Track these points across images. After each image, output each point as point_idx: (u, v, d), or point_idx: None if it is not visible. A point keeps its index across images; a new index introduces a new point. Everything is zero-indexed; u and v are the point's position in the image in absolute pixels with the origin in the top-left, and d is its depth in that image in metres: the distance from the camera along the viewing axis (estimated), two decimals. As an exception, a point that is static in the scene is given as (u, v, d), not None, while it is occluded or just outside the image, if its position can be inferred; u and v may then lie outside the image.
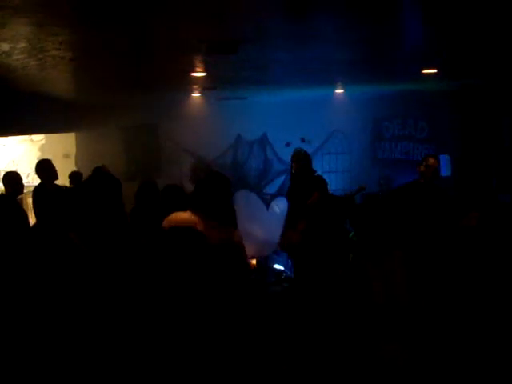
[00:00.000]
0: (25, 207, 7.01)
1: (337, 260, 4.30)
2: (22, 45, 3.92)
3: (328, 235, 5.12)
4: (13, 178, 6.36)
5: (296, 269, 6.61)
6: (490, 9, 3.41)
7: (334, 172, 9.83)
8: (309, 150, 8.12)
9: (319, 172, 7.23)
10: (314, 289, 4.30)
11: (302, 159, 6.90)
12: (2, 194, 6.25)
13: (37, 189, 6.52)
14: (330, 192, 7.04)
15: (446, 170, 9.24)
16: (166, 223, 3.50)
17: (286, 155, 8.18)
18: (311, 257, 4.72)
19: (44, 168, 6.57)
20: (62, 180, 7.04)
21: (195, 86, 7.42)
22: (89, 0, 2.95)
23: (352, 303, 3.19)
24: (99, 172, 5.24)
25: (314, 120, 9.51)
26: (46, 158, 7.43)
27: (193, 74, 5.84)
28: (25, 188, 6.57)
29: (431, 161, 6.04)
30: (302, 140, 9.50)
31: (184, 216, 3.53)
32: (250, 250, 6.33)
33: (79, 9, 3.12)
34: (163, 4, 3.07)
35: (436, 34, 4.39)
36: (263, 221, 9.14)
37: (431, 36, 4.52)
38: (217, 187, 3.64)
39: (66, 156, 9.62)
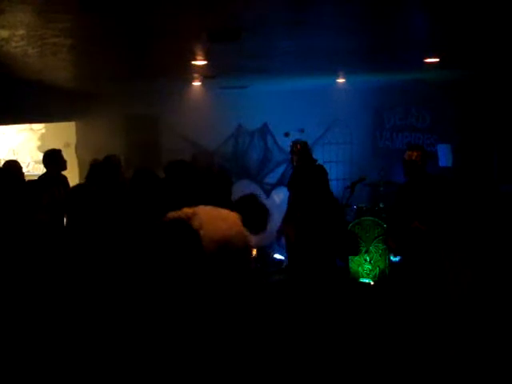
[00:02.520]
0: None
1: (334, 252, 4.27)
2: (21, 32, 3.88)
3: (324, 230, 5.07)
4: (13, 167, 6.35)
5: (291, 261, 6.59)
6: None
7: (335, 162, 9.80)
8: (309, 139, 8.11)
9: (320, 161, 7.23)
10: (311, 280, 4.27)
11: (301, 151, 6.98)
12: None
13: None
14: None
15: (447, 161, 9.22)
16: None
17: (287, 145, 8.16)
18: (308, 251, 4.70)
19: (53, 158, 6.55)
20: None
21: (196, 75, 7.37)
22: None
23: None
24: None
25: (315, 109, 9.47)
26: (45, 147, 7.42)
27: (194, 62, 5.80)
28: (25, 177, 6.57)
29: (408, 154, 5.66)
30: (302, 131, 9.48)
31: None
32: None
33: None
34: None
35: (438, 22, 4.35)
36: (264, 210, 9.11)
37: (433, 24, 4.49)
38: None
39: (67, 145, 9.57)
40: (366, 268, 7.85)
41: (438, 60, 6.28)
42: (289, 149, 7.46)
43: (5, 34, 3.90)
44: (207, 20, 3.86)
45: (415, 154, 5.63)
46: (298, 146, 7.13)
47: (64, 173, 6.80)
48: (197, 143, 9.70)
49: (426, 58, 6.22)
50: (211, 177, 7.09)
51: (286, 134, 9.48)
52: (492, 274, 3.35)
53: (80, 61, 5.80)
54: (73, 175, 8.02)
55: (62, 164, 6.65)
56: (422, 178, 5.62)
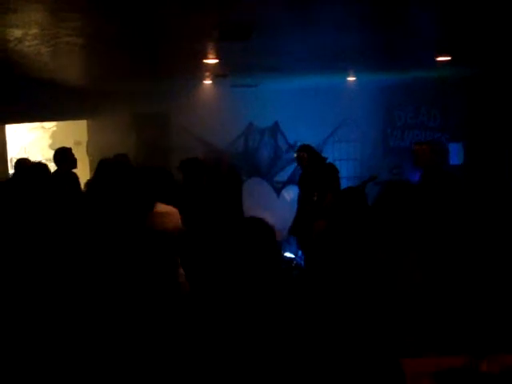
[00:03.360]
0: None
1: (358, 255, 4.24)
2: (34, 31, 3.90)
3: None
4: (25, 165, 6.38)
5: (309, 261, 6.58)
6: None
7: (346, 160, 9.80)
8: (319, 137, 8.09)
9: (330, 160, 7.22)
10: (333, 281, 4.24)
11: (308, 159, 6.88)
12: (14, 180, 6.27)
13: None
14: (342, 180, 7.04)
15: (458, 159, 9.19)
16: None
17: (297, 143, 8.17)
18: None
19: (64, 156, 6.59)
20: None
21: (207, 73, 7.38)
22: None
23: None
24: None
25: (326, 107, 9.47)
26: (56, 145, 7.45)
27: (205, 60, 5.81)
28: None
29: (416, 148, 5.80)
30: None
31: None
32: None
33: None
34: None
35: (450, 20, 4.33)
36: (274, 208, 9.14)
37: (445, 22, 4.47)
38: None
39: (78, 143, 9.62)
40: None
41: (449, 58, 6.26)
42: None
43: (18, 33, 3.92)
44: (218, 18, 3.87)
45: (424, 146, 5.71)
46: (306, 156, 6.91)
47: (75, 171, 6.83)
48: (207, 142, 9.72)
49: (437, 57, 6.20)
50: (221, 175, 7.12)
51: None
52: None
53: (92, 59, 5.82)
54: (84, 173, 8.06)
55: (73, 162, 6.69)
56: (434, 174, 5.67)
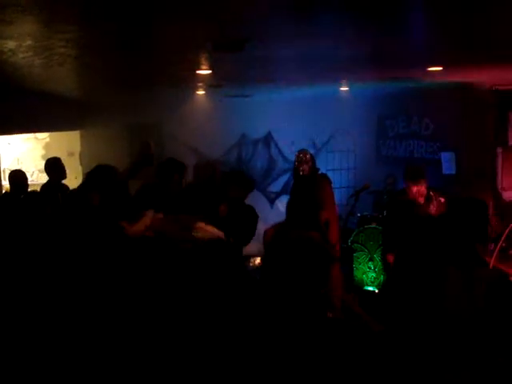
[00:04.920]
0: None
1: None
2: (29, 42, 3.91)
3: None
4: (18, 177, 6.39)
5: None
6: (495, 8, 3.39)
7: (339, 170, 9.83)
8: (312, 148, 8.13)
9: (323, 170, 7.21)
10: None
11: (310, 160, 6.71)
12: (7, 192, 6.27)
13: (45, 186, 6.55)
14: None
15: (450, 168, 9.22)
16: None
17: (291, 153, 8.19)
18: None
19: (54, 166, 6.60)
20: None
21: (200, 84, 7.41)
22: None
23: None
24: None
25: (319, 118, 9.51)
26: (50, 156, 7.45)
27: (198, 71, 5.83)
28: (29, 186, 6.59)
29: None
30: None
31: None
32: (253, 247, 6.36)
33: (86, 7, 3.12)
34: (170, 2, 3.07)
35: (441, 31, 4.37)
36: (268, 219, 9.13)
37: (436, 33, 4.51)
38: None
39: (71, 154, 9.63)
40: (370, 276, 7.85)
41: (441, 68, 6.30)
42: (293, 157, 7.35)
43: (12, 44, 3.93)
44: (211, 30, 3.89)
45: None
46: (308, 156, 6.74)
47: (69, 182, 6.83)
48: (201, 152, 9.74)
49: (429, 67, 6.24)
50: (214, 186, 7.11)
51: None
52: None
53: (85, 70, 5.83)
54: (77, 184, 8.03)
55: (63, 172, 6.70)
56: None
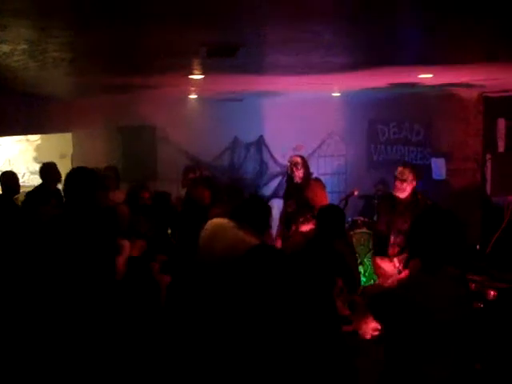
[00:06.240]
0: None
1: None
2: (23, 46, 3.93)
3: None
4: (10, 178, 6.39)
5: None
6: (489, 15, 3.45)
7: (330, 174, 9.88)
8: (304, 152, 8.17)
9: (315, 174, 7.24)
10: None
11: (303, 166, 6.66)
12: (-1, 193, 6.27)
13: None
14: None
15: (440, 174, 9.28)
16: None
17: (283, 158, 8.23)
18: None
19: (49, 171, 6.62)
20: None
21: (193, 88, 7.44)
22: (90, 3, 2.97)
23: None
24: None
25: (311, 122, 9.55)
26: (41, 158, 7.47)
27: (191, 76, 5.87)
28: (20, 188, 6.60)
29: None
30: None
31: None
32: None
33: (80, 12, 3.14)
34: (164, 8, 3.09)
35: (432, 38, 4.43)
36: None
37: (427, 41, 4.56)
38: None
39: (62, 156, 9.63)
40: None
41: (431, 76, 6.37)
42: (284, 161, 7.37)
43: (7, 48, 3.95)
44: (206, 36, 3.92)
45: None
46: (302, 162, 6.67)
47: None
48: (193, 155, 9.75)
49: (419, 74, 6.30)
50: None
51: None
52: None
53: (78, 73, 5.85)
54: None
55: (57, 177, 6.71)
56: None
